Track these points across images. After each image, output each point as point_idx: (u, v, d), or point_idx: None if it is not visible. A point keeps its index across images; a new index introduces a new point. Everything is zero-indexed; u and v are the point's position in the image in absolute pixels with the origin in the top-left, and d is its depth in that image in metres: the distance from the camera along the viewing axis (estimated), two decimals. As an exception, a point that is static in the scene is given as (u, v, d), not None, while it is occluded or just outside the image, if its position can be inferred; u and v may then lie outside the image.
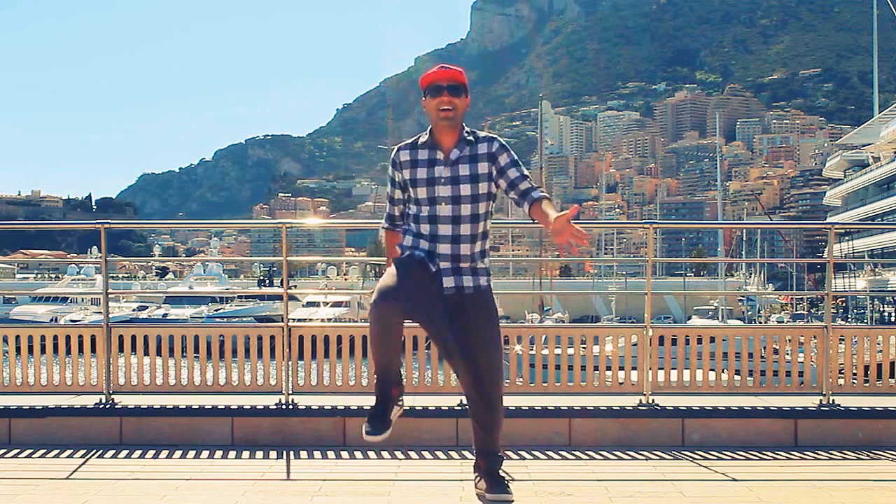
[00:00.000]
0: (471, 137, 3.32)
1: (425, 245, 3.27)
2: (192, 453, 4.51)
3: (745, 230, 57.60)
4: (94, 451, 4.53)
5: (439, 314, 3.22)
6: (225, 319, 42.64)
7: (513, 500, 3.32)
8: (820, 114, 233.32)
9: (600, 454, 4.50)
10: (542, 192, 3.29)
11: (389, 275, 3.21)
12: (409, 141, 3.39)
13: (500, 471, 3.38)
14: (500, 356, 3.38)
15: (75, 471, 4.14)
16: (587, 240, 3.22)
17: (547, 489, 3.74)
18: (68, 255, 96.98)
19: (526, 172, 3.35)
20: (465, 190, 3.26)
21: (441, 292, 3.25)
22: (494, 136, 3.39)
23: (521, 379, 5.24)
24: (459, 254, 3.27)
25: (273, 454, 4.45)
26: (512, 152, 3.37)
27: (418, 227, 3.30)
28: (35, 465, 4.32)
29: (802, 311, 55.44)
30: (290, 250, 5.23)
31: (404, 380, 3.47)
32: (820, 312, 45.73)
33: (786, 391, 5.13)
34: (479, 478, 3.42)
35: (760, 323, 40.96)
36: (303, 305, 40.63)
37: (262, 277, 69.49)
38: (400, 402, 3.39)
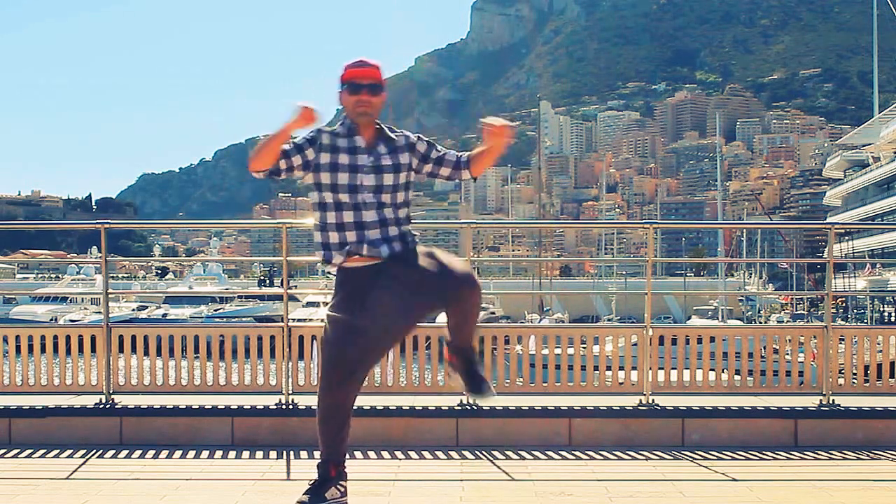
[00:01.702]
0: (388, 132, 3.35)
1: (352, 236, 3.24)
2: (192, 453, 4.51)
3: (745, 230, 57.49)
4: (94, 451, 4.53)
5: (395, 297, 3.16)
6: (224, 320, 42.63)
7: (493, 395, 3.43)
8: (820, 114, 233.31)
9: (600, 454, 4.50)
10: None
11: (330, 342, 3.24)
12: (328, 128, 3.35)
13: (477, 367, 3.42)
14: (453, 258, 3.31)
15: (75, 471, 4.14)
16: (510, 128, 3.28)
17: (547, 489, 3.74)
18: (68, 255, 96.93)
19: (445, 149, 3.44)
20: (388, 179, 3.28)
21: (379, 275, 3.21)
22: (409, 133, 3.43)
23: (521, 379, 5.24)
24: (386, 218, 3.28)
25: (273, 454, 4.45)
26: (429, 140, 3.45)
27: (339, 214, 3.25)
28: (35, 465, 4.32)
29: (802, 311, 55.42)
30: (290, 250, 5.22)
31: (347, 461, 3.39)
32: (820, 312, 45.70)
33: (786, 391, 5.13)
34: (454, 372, 3.45)
35: (760, 323, 40.95)
36: (303, 305, 40.64)
37: (262, 277, 69.52)
38: (341, 487, 3.31)
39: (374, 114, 3.30)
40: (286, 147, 3.25)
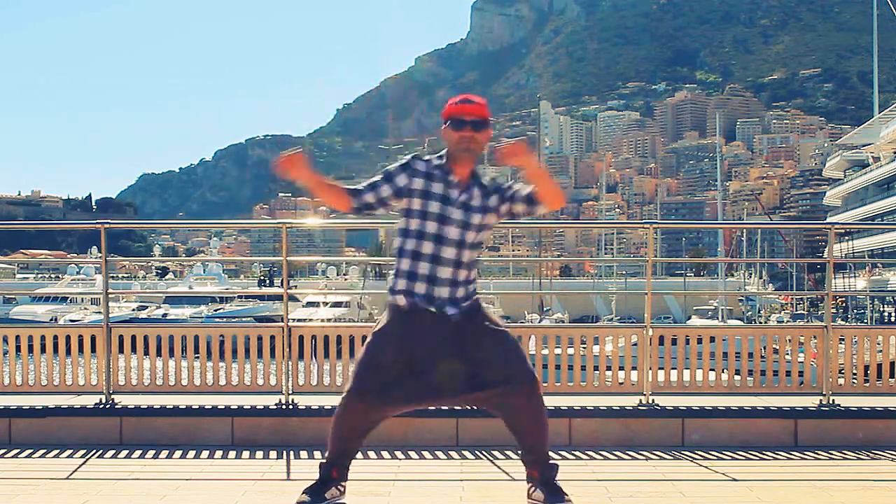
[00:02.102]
0: (481, 177, 3.34)
1: (425, 269, 3.22)
2: (192, 453, 4.51)
3: (745, 230, 57.48)
4: (94, 451, 4.53)
5: (445, 364, 3.18)
6: (224, 320, 42.62)
7: None
8: (820, 114, 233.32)
9: (600, 454, 4.50)
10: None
11: (374, 353, 3.22)
12: (426, 157, 3.36)
13: (556, 479, 3.34)
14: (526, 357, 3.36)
15: (75, 471, 4.14)
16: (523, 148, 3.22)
17: (547, 489, 3.73)
18: (68, 255, 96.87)
19: (516, 186, 3.37)
20: (475, 219, 3.26)
21: (441, 333, 3.21)
22: (497, 179, 3.42)
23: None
24: (458, 279, 3.26)
25: (273, 454, 4.45)
26: (508, 184, 3.41)
27: (419, 244, 3.23)
28: (35, 465, 4.32)
29: (802, 311, 55.41)
30: (290, 250, 5.22)
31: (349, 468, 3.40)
32: (820, 312, 45.70)
33: (786, 391, 5.13)
34: (533, 488, 3.34)
35: (760, 323, 40.94)
36: (303, 305, 40.57)
37: (262, 277, 69.50)
38: (341, 487, 3.33)
39: (477, 151, 3.27)
40: (376, 178, 3.29)
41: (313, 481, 3.33)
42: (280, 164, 3.17)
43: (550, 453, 3.39)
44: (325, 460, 3.34)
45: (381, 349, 3.23)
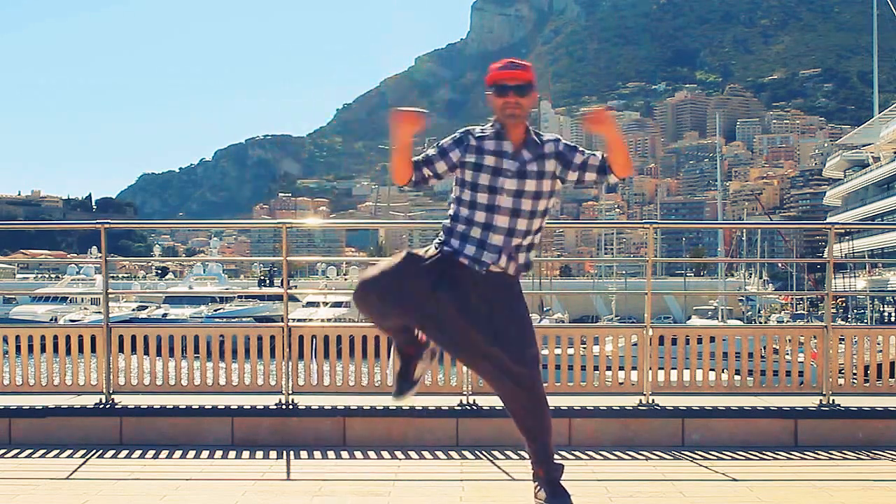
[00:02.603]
0: (536, 137, 3.31)
1: (477, 234, 3.21)
2: (192, 453, 4.51)
3: (745, 230, 57.48)
4: (94, 451, 4.53)
5: (454, 304, 3.17)
6: (224, 320, 42.64)
7: None
8: (820, 114, 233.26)
9: (600, 454, 4.50)
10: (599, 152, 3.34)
11: (402, 266, 3.20)
12: (479, 128, 3.34)
13: (561, 479, 3.32)
14: (536, 341, 3.32)
15: (75, 471, 4.14)
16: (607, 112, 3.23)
17: (547, 489, 3.73)
18: (68, 255, 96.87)
19: (587, 152, 3.34)
20: (531, 185, 3.23)
21: (473, 283, 3.19)
22: (559, 136, 3.39)
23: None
24: (511, 245, 3.24)
25: (273, 454, 4.45)
26: (573, 145, 3.37)
27: (473, 212, 3.22)
28: (35, 465, 4.32)
29: (802, 311, 55.42)
30: (290, 250, 5.23)
31: (419, 337, 3.39)
32: (820, 312, 45.70)
33: (786, 391, 5.13)
34: (539, 487, 3.33)
35: (760, 323, 40.94)
36: (303, 305, 40.61)
37: (262, 277, 69.49)
38: (424, 356, 3.39)
39: (523, 115, 3.25)
40: (431, 153, 3.29)
41: (398, 369, 3.43)
42: (400, 114, 3.15)
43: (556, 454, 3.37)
44: (394, 346, 3.47)
45: (412, 266, 3.21)
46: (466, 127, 3.36)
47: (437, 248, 3.28)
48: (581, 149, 3.36)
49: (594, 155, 3.33)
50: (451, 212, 3.31)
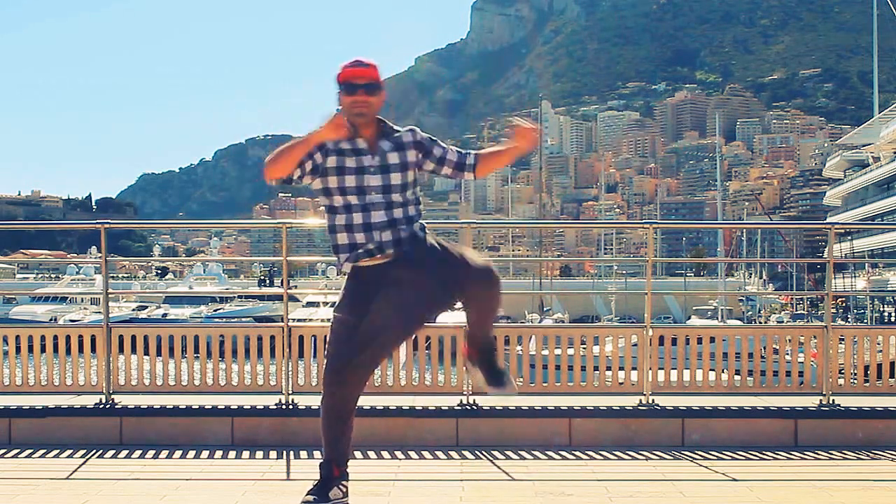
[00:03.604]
0: (391, 129, 3.32)
1: (362, 237, 3.22)
2: (192, 453, 4.51)
3: (745, 230, 57.48)
4: (94, 451, 4.53)
5: (404, 294, 3.16)
6: (224, 320, 42.62)
7: (515, 392, 3.45)
8: (820, 114, 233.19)
9: (600, 454, 4.50)
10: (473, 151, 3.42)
11: (335, 327, 3.26)
12: None
13: (496, 361, 3.41)
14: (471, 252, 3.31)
15: (75, 471, 4.14)
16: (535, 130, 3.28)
17: (547, 489, 3.74)
18: (68, 255, 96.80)
19: (447, 146, 3.40)
20: (396, 178, 3.26)
21: (391, 269, 3.21)
22: (414, 127, 3.41)
23: (521, 379, 5.24)
24: (395, 218, 3.25)
25: (273, 454, 4.45)
26: (431, 137, 3.42)
27: (349, 216, 3.24)
28: (35, 465, 4.32)
29: (802, 311, 55.41)
30: (290, 250, 5.23)
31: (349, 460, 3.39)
32: (820, 312, 45.69)
33: (786, 391, 5.13)
34: (473, 366, 3.42)
35: (760, 323, 40.94)
36: (303, 305, 40.59)
37: (262, 277, 69.51)
38: (343, 487, 3.31)
39: (371, 114, 3.25)
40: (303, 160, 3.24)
41: (315, 481, 3.33)
42: (338, 119, 3.11)
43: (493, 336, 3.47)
44: (323, 459, 3.34)
45: (341, 317, 3.27)
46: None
47: (339, 270, 3.33)
48: (439, 142, 3.39)
49: (453, 150, 3.39)
50: (328, 224, 3.31)
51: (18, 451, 4.56)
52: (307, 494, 3.26)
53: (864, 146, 61.61)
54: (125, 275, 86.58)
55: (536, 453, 4.48)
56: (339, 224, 3.27)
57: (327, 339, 3.35)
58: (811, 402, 5.01)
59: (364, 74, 3.22)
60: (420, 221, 3.35)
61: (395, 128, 3.35)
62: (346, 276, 3.33)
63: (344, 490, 3.33)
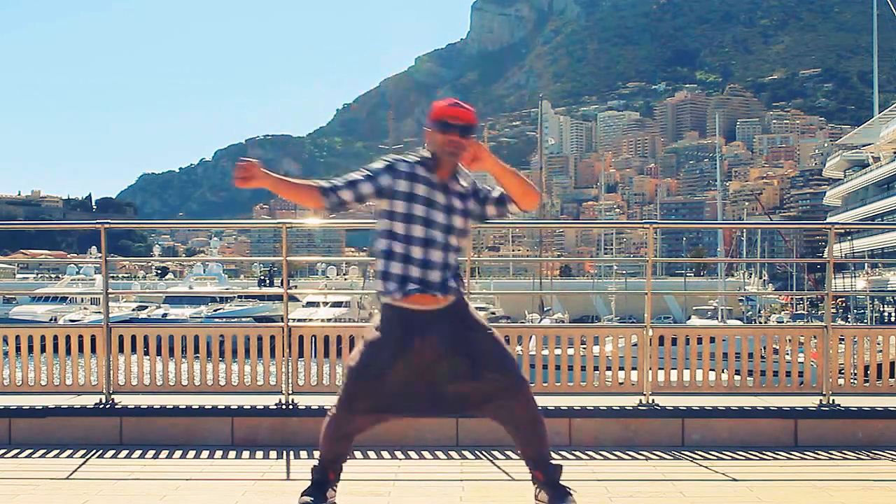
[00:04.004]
0: (461, 177, 3.31)
1: (417, 271, 3.17)
2: (192, 453, 4.51)
3: (745, 230, 57.47)
4: (94, 451, 4.53)
5: (440, 369, 3.15)
6: (224, 320, 42.61)
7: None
8: (820, 114, 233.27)
9: (600, 454, 4.50)
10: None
11: (367, 362, 3.17)
12: (406, 158, 3.30)
13: (560, 479, 3.31)
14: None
15: (75, 471, 4.14)
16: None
17: (547, 489, 3.73)
18: (68, 255, 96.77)
19: (491, 188, 3.36)
20: (458, 223, 3.25)
21: (435, 325, 3.17)
22: (472, 175, 3.38)
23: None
24: (448, 262, 3.23)
25: (273, 454, 4.45)
26: (482, 184, 3.39)
27: (408, 248, 3.17)
28: (35, 465, 4.32)
29: (802, 311, 55.38)
30: (290, 250, 5.23)
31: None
32: (820, 312, 45.68)
33: (786, 391, 5.13)
34: (539, 489, 3.32)
35: (760, 323, 40.94)
36: (303, 305, 40.57)
37: (262, 277, 69.44)
38: (335, 488, 3.32)
39: (460, 156, 3.21)
40: (354, 176, 3.21)
41: (310, 483, 3.33)
42: (236, 176, 3.12)
43: (552, 454, 3.37)
44: (318, 464, 3.33)
45: (375, 356, 3.18)
46: (394, 156, 3.30)
47: (382, 309, 3.24)
48: (486, 186, 3.37)
49: (494, 190, 3.34)
50: (382, 249, 3.23)
51: (18, 451, 4.56)
52: (303, 496, 3.26)
53: (864, 146, 61.59)
54: (125, 275, 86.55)
55: (536, 453, 4.47)
56: (397, 252, 3.19)
57: (354, 366, 3.22)
58: (811, 402, 5.01)
59: (462, 116, 3.19)
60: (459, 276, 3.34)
61: (466, 174, 3.32)
62: (387, 312, 3.23)
63: (335, 490, 3.34)
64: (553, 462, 3.33)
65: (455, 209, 3.24)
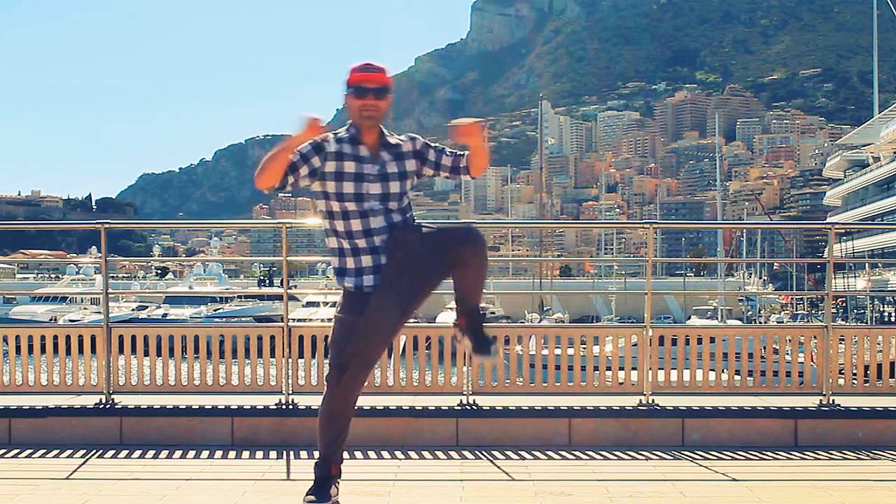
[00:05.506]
0: (392, 137, 3.34)
1: (362, 242, 3.24)
2: (192, 453, 4.51)
3: (745, 230, 57.49)
4: (94, 451, 4.53)
5: (399, 287, 3.21)
6: (224, 320, 42.61)
7: (496, 355, 3.49)
8: (820, 114, 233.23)
9: (600, 454, 4.50)
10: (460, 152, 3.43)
11: (340, 329, 3.28)
12: (333, 133, 3.31)
13: (483, 328, 3.41)
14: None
15: (75, 471, 4.14)
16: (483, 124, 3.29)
17: (547, 489, 3.74)
18: (68, 255, 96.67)
19: (444, 149, 3.43)
20: (394, 187, 3.28)
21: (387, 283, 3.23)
22: (415, 135, 3.43)
23: (521, 379, 5.24)
24: (393, 223, 3.26)
25: (273, 454, 4.45)
26: (427, 142, 3.44)
27: (347, 223, 3.24)
28: (35, 465, 4.33)
29: (802, 311, 55.38)
30: (290, 250, 5.23)
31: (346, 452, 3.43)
32: (820, 312, 45.71)
33: (786, 391, 5.13)
34: (461, 334, 3.43)
35: (760, 323, 40.94)
36: (303, 305, 40.58)
37: (262, 277, 69.44)
38: (337, 485, 3.33)
39: (380, 118, 3.27)
40: (294, 158, 3.20)
41: (313, 481, 3.33)
42: (312, 120, 3.11)
43: (483, 311, 3.46)
44: (319, 459, 3.34)
45: (341, 317, 3.29)
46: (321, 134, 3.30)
47: (343, 294, 3.33)
48: (435, 146, 3.42)
49: (448, 155, 3.40)
50: (331, 245, 3.34)
51: (18, 451, 4.56)
52: (307, 495, 3.26)
53: (864, 146, 61.57)
54: (125, 275, 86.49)
55: (536, 453, 4.48)
56: (340, 230, 3.28)
57: (328, 339, 3.37)
58: (811, 402, 5.01)
59: (374, 79, 3.23)
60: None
61: (396, 137, 3.36)
62: (346, 299, 3.34)
63: (338, 488, 3.34)
64: (480, 310, 3.41)
65: (389, 175, 3.27)
